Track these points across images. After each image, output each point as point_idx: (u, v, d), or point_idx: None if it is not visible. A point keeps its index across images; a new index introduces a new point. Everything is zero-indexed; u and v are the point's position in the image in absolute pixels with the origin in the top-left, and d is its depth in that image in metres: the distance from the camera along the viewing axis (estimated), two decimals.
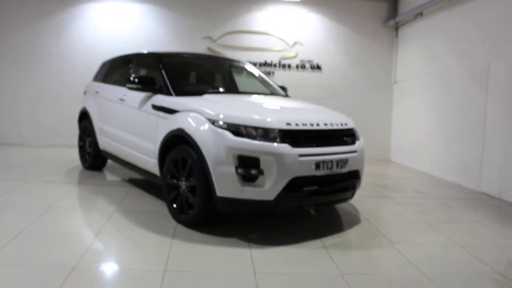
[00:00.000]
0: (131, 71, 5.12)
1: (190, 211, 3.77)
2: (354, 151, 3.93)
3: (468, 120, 6.30)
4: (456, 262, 3.42)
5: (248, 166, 3.46)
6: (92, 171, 6.04)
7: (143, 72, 5.10)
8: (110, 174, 5.96)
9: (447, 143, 6.89)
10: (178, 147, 3.89)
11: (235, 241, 3.56)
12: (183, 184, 3.85)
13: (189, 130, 3.70)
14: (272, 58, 8.83)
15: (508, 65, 5.50)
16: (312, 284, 2.89)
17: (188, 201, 3.79)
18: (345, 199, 4.08)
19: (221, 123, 3.58)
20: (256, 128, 3.52)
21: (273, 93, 5.03)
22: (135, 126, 4.65)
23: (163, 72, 4.48)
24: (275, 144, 3.46)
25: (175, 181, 3.94)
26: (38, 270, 2.85)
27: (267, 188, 3.44)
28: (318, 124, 3.77)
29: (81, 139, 6.14)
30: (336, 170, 3.75)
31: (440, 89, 7.16)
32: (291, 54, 8.86)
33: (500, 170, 5.56)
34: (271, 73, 8.78)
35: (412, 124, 8.18)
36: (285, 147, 3.47)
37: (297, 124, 3.64)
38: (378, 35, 9.02)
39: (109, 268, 3.01)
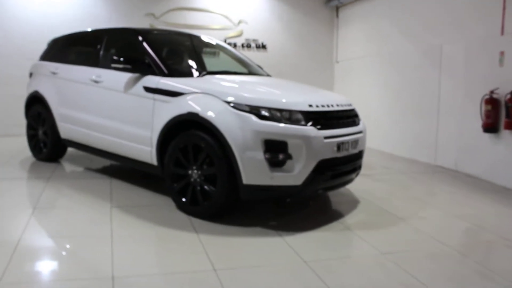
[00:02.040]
0: (101, 49, 4.53)
1: (206, 202, 3.49)
2: (361, 132, 3.96)
3: (422, 98, 6.73)
4: (465, 233, 3.66)
5: (276, 151, 3.29)
6: (49, 162, 5.31)
7: (118, 50, 4.54)
8: (72, 165, 5.32)
9: (398, 120, 7.31)
10: (187, 133, 3.55)
11: (262, 231, 3.40)
12: (194, 173, 3.54)
13: (205, 114, 3.39)
14: (218, 36, 8.46)
15: (459, 46, 5.95)
16: (365, 267, 2.87)
17: (203, 191, 3.51)
18: (352, 180, 4.11)
19: (243, 106, 3.34)
20: (280, 111, 3.34)
21: (259, 73, 4.83)
22: (120, 111, 4.15)
23: (151, 51, 4.04)
24: (303, 127, 3.33)
25: (181, 170, 3.61)
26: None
27: (296, 173, 3.32)
28: (332, 105, 3.71)
29: (31, 127, 5.33)
30: (351, 151, 3.75)
31: (389, 68, 7.52)
32: (236, 32, 8.63)
33: (456, 143, 6.05)
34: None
35: (358, 103, 8.51)
36: (312, 130, 3.36)
37: (317, 106, 3.54)
38: (319, 15, 9.17)
39: (161, 276, 2.66)
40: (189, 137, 3.54)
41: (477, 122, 5.58)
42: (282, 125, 3.29)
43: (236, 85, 3.75)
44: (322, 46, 9.26)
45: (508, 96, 5.09)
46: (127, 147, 4.12)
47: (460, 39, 5.97)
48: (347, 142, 3.66)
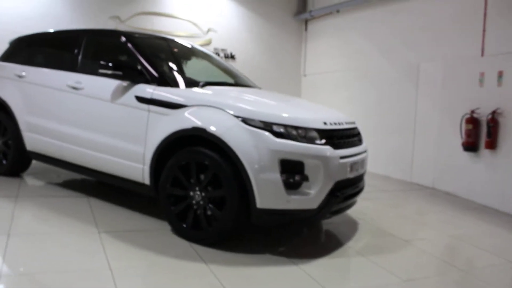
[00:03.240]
0: (80, 52, 4.03)
1: (210, 227, 3.15)
2: (365, 151, 3.81)
3: (398, 115, 6.77)
4: (472, 256, 3.60)
5: (292, 172, 3.03)
6: (9, 177, 4.65)
7: (102, 55, 4.06)
8: (38, 180, 4.73)
9: (372, 136, 7.29)
10: (190, 149, 3.20)
11: (273, 258, 3.11)
12: (197, 194, 3.19)
13: (214, 130, 3.05)
14: None
15: (437, 65, 6.06)
16: None
17: (206, 215, 3.17)
18: (355, 202, 3.92)
19: (256, 122, 3.05)
20: (296, 128, 3.09)
21: (251, 85, 4.54)
22: (105, 122, 3.69)
23: (143, 57, 3.65)
24: (320, 146, 3.10)
25: (181, 191, 3.25)
26: None
27: (312, 196, 3.07)
28: (342, 123, 3.53)
29: None
30: (360, 171, 3.58)
31: (364, 84, 7.53)
32: (205, 41, 8.29)
33: (433, 161, 6.12)
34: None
35: None
36: (329, 150, 3.14)
37: (330, 124, 3.34)
38: (288, 27, 9.07)
39: None
40: (191, 155, 3.18)
41: (456, 141, 5.67)
42: (299, 144, 3.04)
43: (245, 98, 3.45)
44: (290, 59, 9.16)
45: (490, 116, 5.20)
46: (112, 163, 3.66)
47: (438, 58, 6.07)
48: (357, 162, 3.49)
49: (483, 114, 5.32)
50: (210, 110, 3.18)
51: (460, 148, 5.60)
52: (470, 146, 5.46)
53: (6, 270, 2.56)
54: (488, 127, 5.20)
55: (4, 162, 4.59)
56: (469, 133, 5.44)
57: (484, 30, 5.42)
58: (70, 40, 4.21)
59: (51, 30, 4.57)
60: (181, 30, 7.96)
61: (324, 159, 3.09)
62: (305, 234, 3.74)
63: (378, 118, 7.16)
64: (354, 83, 7.79)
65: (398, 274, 3.03)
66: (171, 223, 3.35)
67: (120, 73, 3.48)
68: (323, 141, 3.14)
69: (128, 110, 3.54)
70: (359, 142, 3.71)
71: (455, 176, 5.78)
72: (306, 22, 9.10)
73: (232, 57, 8.57)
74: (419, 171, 6.38)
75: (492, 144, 5.21)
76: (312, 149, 3.06)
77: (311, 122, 3.17)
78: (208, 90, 3.53)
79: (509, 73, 5.09)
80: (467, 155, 5.57)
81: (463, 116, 5.56)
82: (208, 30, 8.23)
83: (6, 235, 3.03)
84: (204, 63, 4.65)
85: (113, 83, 3.64)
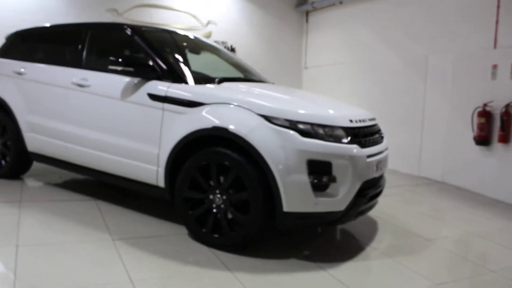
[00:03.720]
0: (85, 47, 3.80)
1: (233, 232, 2.98)
2: (387, 148, 3.66)
3: (405, 108, 6.64)
4: (497, 255, 3.49)
5: (320, 173, 2.87)
6: (9, 180, 4.42)
7: (110, 50, 3.84)
8: (39, 182, 4.50)
9: None
10: (210, 150, 3.02)
11: (299, 263, 2.96)
12: (217, 197, 3.01)
13: (238, 129, 2.87)
14: None
15: (446, 58, 5.93)
16: None
17: (228, 218, 3.00)
18: (377, 203, 3.77)
19: (281, 120, 2.87)
20: (323, 126, 2.93)
21: (265, 80, 4.34)
22: (114, 121, 3.49)
23: (155, 52, 3.44)
24: (348, 145, 2.94)
25: (199, 194, 3.08)
26: None
27: (340, 197, 2.92)
28: (365, 120, 3.37)
29: None
30: (383, 170, 3.44)
31: (369, 77, 7.37)
32: (205, 34, 8.05)
33: (443, 155, 6.01)
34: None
35: None
36: (356, 148, 2.98)
37: (356, 121, 3.18)
38: (289, 19, 8.87)
39: None
40: (212, 156, 3.00)
41: (467, 134, 5.56)
42: (326, 143, 2.87)
43: (265, 95, 3.27)
44: (291, 51, 8.97)
45: (503, 110, 5.09)
46: (123, 165, 3.46)
47: (447, 51, 5.94)
48: (382, 160, 3.34)
49: (496, 107, 5.21)
50: (231, 108, 3.00)
51: (471, 142, 5.50)
52: (483, 140, 5.35)
53: (19, 286, 2.36)
54: (502, 121, 5.09)
55: (3, 163, 4.34)
56: (481, 127, 5.33)
57: (497, 22, 5.30)
58: (73, 34, 3.97)
59: (50, 24, 4.31)
60: (180, 22, 7.72)
61: (352, 158, 2.93)
62: (324, 236, 3.59)
63: (385, 112, 7.01)
64: (358, 76, 7.64)
65: (429, 277, 2.91)
66: (189, 228, 3.18)
67: (131, 69, 3.27)
68: (349, 139, 2.99)
69: (140, 108, 3.33)
70: (381, 139, 3.56)
71: (465, 170, 5.68)
72: (307, 13, 8.91)
73: (233, 50, 8.35)
74: (428, 165, 6.27)
75: (505, 138, 5.10)
76: (340, 149, 2.90)
77: (337, 120, 3.01)
78: (226, 87, 3.34)
79: None
80: (478, 149, 5.47)
81: (474, 110, 5.45)
82: (208, 23, 7.99)
83: (15, 246, 2.82)
84: (212, 57, 4.45)
85: (123, 80, 3.43)
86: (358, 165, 2.96)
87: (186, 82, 3.28)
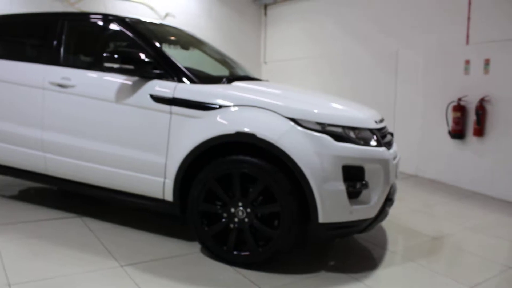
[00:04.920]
0: (63, 41, 3.26)
1: (261, 248, 2.69)
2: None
3: (376, 103, 6.63)
4: (505, 250, 3.54)
5: (353, 179, 2.67)
6: None
7: (89, 43, 3.33)
8: (6, 199, 3.83)
9: None
10: (232, 158, 2.69)
11: (331, 275, 2.76)
12: (240, 211, 2.71)
13: (267, 135, 2.58)
14: None
15: (417, 52, 6.01)
16: None
17: (253, 233, 2.71)
18: None
19: (312, 124, 2.63)
20: (354, 129, 2.73)
21: (257, 77, 4.05)
22: (109, 127, 3.03)
23: (154, 48, 3.03)
24: (377, 148, 2.77)
25: (218, 208, 2.75)
26: None
27: (373, 204, 2.75)
28: (382, 121, 3.23)
29: None
30: (398, 174, 3.33)
31: (336, 72, 7.32)
32: None
33: (417, 149, 6.11)
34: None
35: None
36: (386, 152, 2.83)
37: (376, 122, 3.02)
38: (247, 12, 8.61)
39: None
40: (235, 165, 2.68)
41: (441, 128, 5.68)
42: (359, 147, 2.68)
43: (289, 96, 2.99)
44: (250, 46, 8.71)
45: (478, 104, 5.24)
46: (120, 177, 3.02)
47: (419, 45, 6.01)
48: (398, 162, 3.23)
49: (471, 101, 5.35)
50: (255, 111, 2.69)
51: (446, 136, 5.62)
52: (458, 133, 5.49)
53: None
54: (478, 115, 5.23)
55: None
56: (457, 121, 5.45)
57: (469, 18, 5.43)
58: (44, 26, 3.40)
59: (14, 14, 3.67)
60: (137, 14, 7.13)
61: (384, 162, 2.77)
62: (337, 242, 3.42)
63: None
64: (324, 70, 7.57)
65: (460, 279, 2.84)
66: (206, 245, 2.83)
67: (131, 67, 2.84)
68: (376, 142, 2.82)
69: (140, 112, 2.92)
70: (393, 140, 3.45)
71: (440, 163, 5.80)
72: (265, 7, 8.68)
73: None
74: (401, 159, 6.33)
75: (480, 132, 5.26)
76: (372, 152, 2.72)
77: (365, 122, 2.82)
78: (240, 87, 3.02)
79: (496, 61, 5.14)
80: (453, 142, 5.60)
81: (449, 104, 5.57)
82: (166, 15, 7.49)
83: (7, 286, 2.31)
84: (198, 52, 4.07)
85: (117, 79, 2.99)
86: (388, 169, 2.81)
87: (194, 82, 2.91)
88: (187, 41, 3.95)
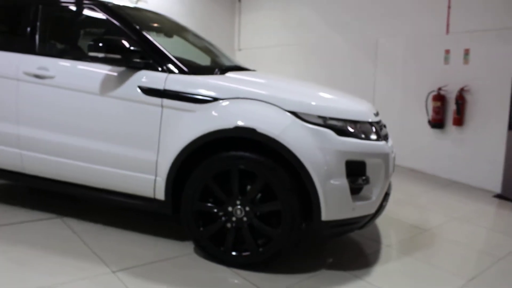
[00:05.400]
0: (37, 28, 2.97)
1: (261, 248, 2.58)
2: None
3: (354, 92, 6.59)
4: (493, 240, 3.59)
5: (355, 174, 2.58)
6: None
7: (69, 31, 3.05)
8: None
9: None
10: (230, 154, 2.54)
11: (333, 274, 2.68)
12: (238, 210, 2.57)
13: (268, 129, 2.43)
14: None
15: (397, 41, 6.00)
16: None
17: (252, 233, 2.59)
18: None
19: (314, 117, 2.51)
20: (354, 122, 2.63)
21: (244, 67, 3.88)
22: (93, 121, 2.79)
23: (141, 36, 2.81)
24: (378, 142, 2.70)
25: (214, 207, 2.61)
26: None
27: (374, 199, 2.68)
28: (378, 113, 3.16)
29: None
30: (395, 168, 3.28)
31: (313, 60, 7.23)
32: None
33: (396, 139, 6.11)
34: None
35: None
36: (386, 145, 2.75)
37: (374, 114, 2.94)
38: None
39: None
40: (234, 161, 2.53)
41: (421, 118, 5.71)
42: (360, 141, 2.59)
43: (287, 88, 2.84)
44: (224, 32, 8.49)
45: (458, 94, 5.29)
46: (106, 175, 2.80)
47: (398, 34, 6.00)
48: (394, 156, 3.18)
49: (451, 91, 5.40)
50: (254, 104, 2.54)
51: (425, 125, 5.66)
52: (438, 123, 5.53)
53: None
54: (457, 104, 5.29)
55: None
56: (437, 110, 5.49)
57: (449, 7, 5.43)
58: (16, 10, 3.08)
59: None
60: None
61: (384, 156, 2.70)
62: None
63: None
64: (301, 58, 7.46)
65: (457, 273, 2.85)
66: (201, 246, 2.68)
67: (118, 56, 2.61)
68: (376, 135, 2.74)
69: (128, 105, 2.70)
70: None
71: (419, 152, 5.85)
72: None
73: None
74: None
75: (460, 121, 5.32)
76: (373, 146, 2.64)
77: (365, 115, 2.73)
78: (235, 78, 2.85)
79: (475, 51, 5.19)
80: (432, 132, 5.65)
81: (429, 94, 5.60)
82: (138, 0, 7.14)
83: None
84: (181, 39, 3.86)
85: (101, 70, 2.76)
86: (388, 163, 2.74)
87: (185, 72, 2.72)
88: (170, 28, 3.73)
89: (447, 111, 5.47)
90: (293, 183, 2.48)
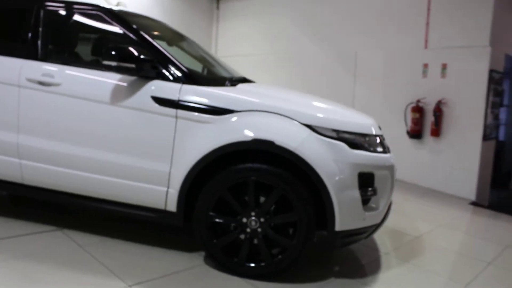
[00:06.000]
0: (39, 32, 2.88)
1: (276, 258, 2.61)
2: None
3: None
4: (478, 245, 3.79)
5: (365, 186, 2.68)
6: None
7: (76, 36, 2.97)
8: None
9: None
10: (246, 166, 2.56)
11: (341, 282, 2.75)
12: (253, 221, 2.60)
13: (286, 142, 2.48)
14: None
15: (376, 54, 6.23)
16: None
17: (267, 243, 2.62)
18: None
19: (328, 131, 2.58)
20: (364, 136, 2.73)
21: (247, 79, 3.89)
22: (103, 132, 2.73)
23: (152, 45, 2.79)
24: (384, 154, 2.81)
25: (228, 218, 2.63)
26: None
27: (381, 210, 2.79)
28: (380, 127, 3.28)
29: None
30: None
31: (292, 70, 7.35)
32: None
33: None
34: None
35: None
36: (391, 158, 2.87)
37: (379, 128, 3.06)
38: (199, 5, 8.35)
39: None
40: (250, 173, 2.55)
41: (399, 128, 5.94)
42: (370, 154, 2.69)
43: (301, 102, 2.90)
44: (202, 39, 8.44)
45: (436, 106, 5.55)
46: (114, 186, 2.75)
47: (377, 48, 6.22)
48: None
49: (429, 103, 5.66)
50: (270, 117, 2.58)
51: (404, 135, 5.90)
52: (416, 133, 5.78)
53: None
54: (435, 116, 5.55)
55: None
56: (416, 122, 5.74)
57: (427, 24, 5.71)
58: (18, 14, 2.97)
59: None
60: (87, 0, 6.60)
61: (391, 168, 2.83)
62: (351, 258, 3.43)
63: None
64: (279, 68, 7.57)
65: (454, 278, 3.02)
66: (214, 257, 2.68)
67: (132, 65, 2.58)
68: (382, 148, 2.85)
69: (141, 115, 2.67)
70: None
71: (399, 162, 6.03)
72: (217, 1, 8.47)
73: None
74: None
75: (437, 132, 5.59)
76: (381, 159, 2.75)
77: (372, 128, 2.84)
78: (249, 90, 2.87)
79: (452, 66, 5.48)
80: (411, 142, 5.89)
81: (407, 105, 5.84)
82: (118, 4, 6.98)
83: None
84: (181, 48, 3.84)
85: (111, 78, 2.71)
86: (393, 175, 2.86)
87: (198, 83, 2.73)
88: (171, 36, 3.70)
89: (425, 122, 5.73)
90: (309, 195, 2.54)
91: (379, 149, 2.80)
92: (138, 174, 2.71)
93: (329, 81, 6.84)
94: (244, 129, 2.54)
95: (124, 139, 2.72)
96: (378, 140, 2.82)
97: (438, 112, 5.54)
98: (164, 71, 2.71)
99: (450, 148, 5.53)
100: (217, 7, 8.51)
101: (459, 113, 5.43)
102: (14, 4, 3.02)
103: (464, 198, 5.33)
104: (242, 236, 2.64)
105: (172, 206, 2.70)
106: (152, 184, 2.70)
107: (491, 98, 5.36)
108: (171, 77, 2.71)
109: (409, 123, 5.81)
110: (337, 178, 2.51)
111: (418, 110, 5.72)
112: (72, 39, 3.03)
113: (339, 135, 2.60)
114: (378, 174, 2.72)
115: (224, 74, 3.66)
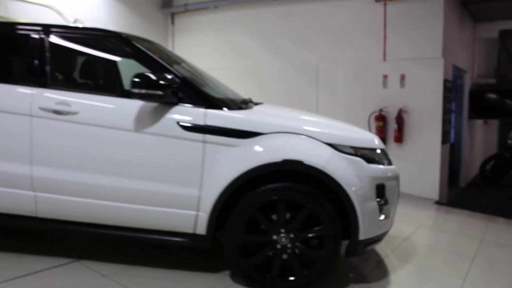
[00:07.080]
0: (47, 59, 2.78)
1: (307, 271, 2.75)
2: None
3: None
4: (461, 243, 4.18)
5: (379, 196, 2.91)
6: None
7: (89, 63, 2.88)
8: None
9: None
10: (277, 186, 2.67)
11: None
12: (283, 238, 2.72)
13: (314, 161, 2.63)
14: None
15: (338, 66, 6.58)
16: None
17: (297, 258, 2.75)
18: None
19: (347, 148, 2.79)
20: (374, 150, 2.97)
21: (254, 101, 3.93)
22: (130, 159, 2.70)
23: (172, 70, 2.82)
24: (392, 166, 3.07)
25: (260, 237, 2.73)
26: None
27: (391, 217, 3.04)
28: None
29: None
30: None
31: (253, 84, 7.50)
32: None
33: None
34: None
35: None
36: (396, 169, 3.14)
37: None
38: (154, 20, 8.27)
39: None
40: (281, 192, 2.67)
41: None
42: (382, 167, 2.93)
43: (317, 121, 3.09)
44: None
45: (397, 114, 6.00)
46: (138, 213, 2.73)
47: (339, 60, 6.56)
48: None
49: (391, 112, 6.10)
50: (295, 138, 2.73)
51: None
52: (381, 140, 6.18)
53: None
54: (398, 123, 5.99)
55: None
56: (380, 129, 6.15)
57: (385, 37, 6.15)
58: (26, 40, 2.83)
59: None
60: (43, 19, 6.31)
61: (397, 178, 3.08)
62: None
63: None
64: (238, 82, 7.69)
65: (451, 273, 3.32)
66: (246, 275, 2.75)
67: (160, 93, 2.59)
68: (387, 161, 3.11)
69: (166, 141, 2.68)
70: None
71: None
72: (172, 16, 8.45)
73: None
74: None
75: (400, 138, 6.04)
76: (390, 171, 3.00)
77: (378, 143, 3.08)
78: (267, 112, 3.00)
79: (410, 76, 5.96)
80: None
81: (371, 114, 6.24)
82: (75, 21, 6.77)
83: None
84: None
85: (132, 105, 2.71)
86: (399, 184, 3.12)
87: (218, 107, 2.80)
88: (176, 60, 3.71)
89: (389, 129, 6.16)
90: (334, 209, 2.71)
91: (386, 161, 3.05)
92: (166, 200, 2.72)
93: (292, 93, 7.08)
94: (274, 151, 2.66)
95: (150, 166, 2.72)
96: (383, 154, 3.07)
97: (400, 119, 5.99)
98: (185, 96, 2.76)
99: (413, 153, 6.00)
100: (172, 22, 8.48)
101: (419, 120, 5.92)
102: (21, 30, 2.89)
103: (428, 198, 5.80)
104: (272, 253, 2.75)
105: (201, 230, 2.74)
106: (181, 209, 2.73)
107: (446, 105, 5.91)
108: (193, 102, 2.76)
109: (374, 131, 6.20)
110: (360, 192, 2.71)
111: (382, 118, 6.14)
112: (86, 66, 2.97)
113: (356, 152, 2.81)
114: (388, 184, 2.96)
115: (230, 95, 3.74)
